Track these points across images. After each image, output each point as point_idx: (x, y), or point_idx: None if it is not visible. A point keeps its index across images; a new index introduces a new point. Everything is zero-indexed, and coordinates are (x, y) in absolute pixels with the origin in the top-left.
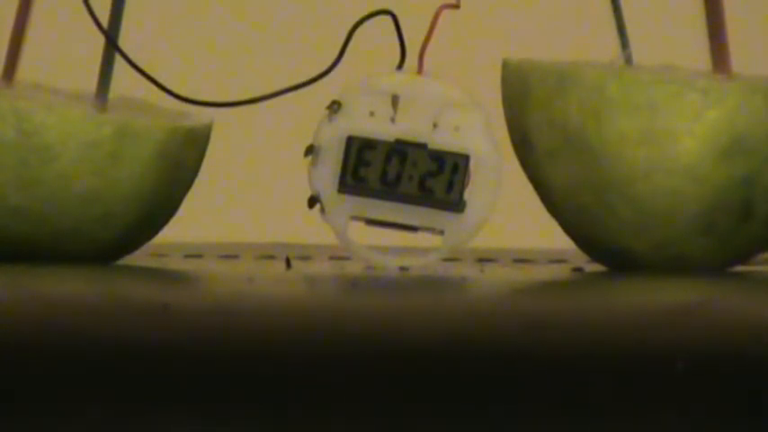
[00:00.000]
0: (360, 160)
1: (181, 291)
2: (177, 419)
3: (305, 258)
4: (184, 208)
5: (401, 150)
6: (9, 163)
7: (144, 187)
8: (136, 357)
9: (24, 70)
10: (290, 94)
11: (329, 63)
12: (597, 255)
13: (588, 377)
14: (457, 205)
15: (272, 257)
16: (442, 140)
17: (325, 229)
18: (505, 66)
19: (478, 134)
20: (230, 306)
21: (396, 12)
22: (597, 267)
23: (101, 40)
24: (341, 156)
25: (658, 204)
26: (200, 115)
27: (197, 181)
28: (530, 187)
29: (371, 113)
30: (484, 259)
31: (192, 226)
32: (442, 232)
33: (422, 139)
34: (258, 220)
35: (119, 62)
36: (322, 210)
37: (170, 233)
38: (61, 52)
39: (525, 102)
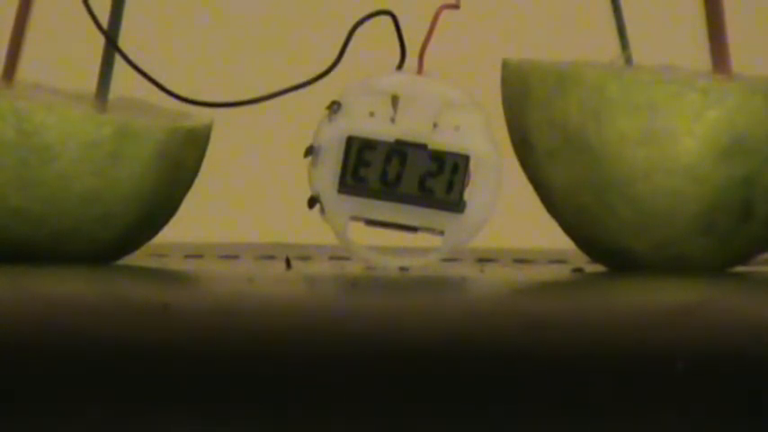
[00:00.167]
0: (360, 160)
1: (181, 291)
2: (177, 419)
3: (305, 258)
4: (184, 208)
5: (401, 150)
6: (9, 163)
7: (144, 187)
8: (136, 357)
9: (24, 70)
10: (290, 94)
11: (329, 63)
12: (597, 255)
13: (588, 377)
14: (457, 205)
15: (272, 257)
16: (442, 140)
17: (325, 229)
18: (505, 66)
19: (478, 134)
20: (230, 306)
21: (396, 12)
22: (597, 267)
23: (101, 40)
24: (341, 156)
25: (658, 204)
26: (200, 115)
27: (197, 181)
28: (530, 187)
29: (371, 113)
30: (484, 259)
31: (192, 226)
32: (442, 232)
33: (422, 139)
34: (258, 220)
35: (119, 62)
36: (322, 210)
37: (170, 233)
38: (61, 52)
39: (525, 102)
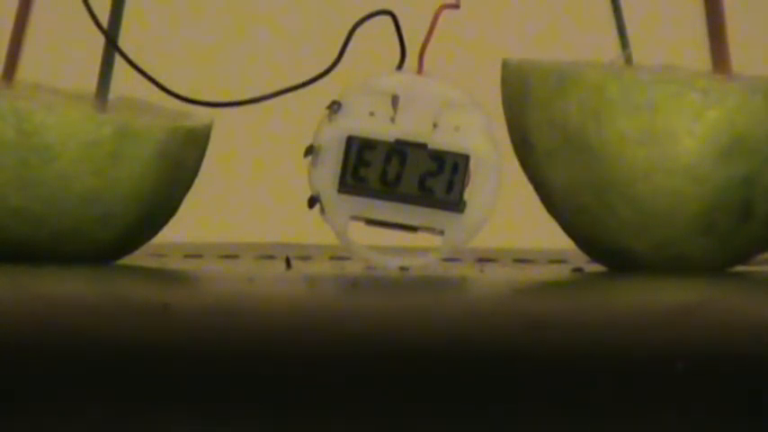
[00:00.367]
0: (360, 160)
1: (181, 291)
2: (177, 419)
3: (305, 258)
4: (184, 208)
5: (401, 150)
6: (9, 163)
7: (144, 187)
8: (136, 357)
9: (24, 70)
10: (290, 94)
11: (329, 63)
12: (597, 255)
13: (588, 377)
14: (457, 205)
15: (272, 257)
16: (442, 140)
17: (325, 229)
18: (505, 66)
19: (478, 134)
20: (230, 306)
21: (396, 12)
22: (597, 267)
23: (101, 40)
24: (341, 156)
25: (658, 204)
26: (200, 115)
27: (197, 181)
28: (530, 187)
29: (371, 113)
30: (484, 259)
31: (192, 226)
32: (442, 232)
33: (422, 139)
34: (258, 220)
35: (119, 62)
36: (322, 210)
37: (170, 233)
38: (61, 52)
39: (525, 102)
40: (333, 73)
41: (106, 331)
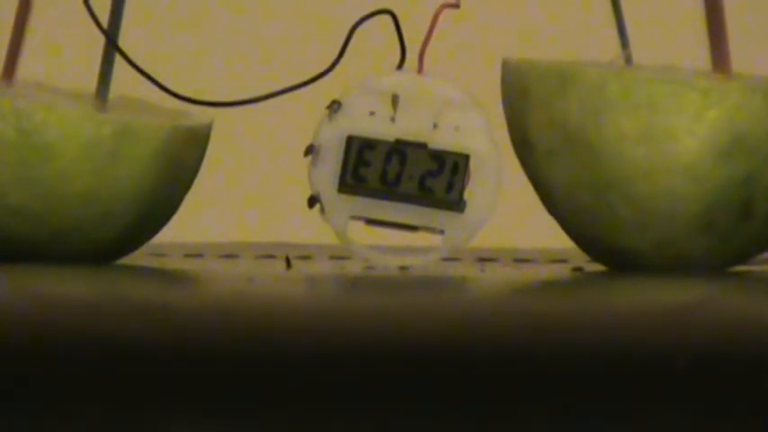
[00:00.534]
0: (360, 160)
1: (181, 291)
2: (177, 419)
3: (305, 258)
4: (184, 208)
5: (401, 150)
6: (9, 162)
7: (144, 187)
8: (136, 357)
9: (24, 70)
10: (289, 94)
11: (329, 63)
12: (597, 255)
13: (588, 377)
14: (457, 205)
15: (272, 257)
16: (442, 140)
17: (325, 229)
18: (505, 66)
19: (478, 134)
20: (230, 306)
21: (396, 12)
22: (597, 267)
23: (101, 40)
24: (341, 156)
25: (658, 204)
26: (200, 115)
27: (197, 181)
28: (530, 187)
29: (371, 113)
30: (484, 259)
31: (192, 226)
32: (442, 232)
33: (422, 139)
34: (258, 220)
35: (119, 62)
36: (322, 210)
37: (170, 233)
38: (61, 52)
39: (525, 102)
40: (333, 73)
41: (106, 331)
